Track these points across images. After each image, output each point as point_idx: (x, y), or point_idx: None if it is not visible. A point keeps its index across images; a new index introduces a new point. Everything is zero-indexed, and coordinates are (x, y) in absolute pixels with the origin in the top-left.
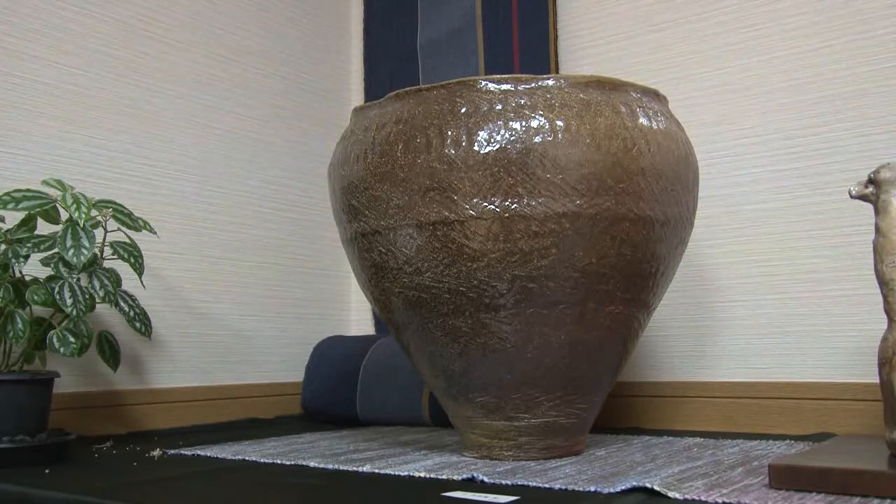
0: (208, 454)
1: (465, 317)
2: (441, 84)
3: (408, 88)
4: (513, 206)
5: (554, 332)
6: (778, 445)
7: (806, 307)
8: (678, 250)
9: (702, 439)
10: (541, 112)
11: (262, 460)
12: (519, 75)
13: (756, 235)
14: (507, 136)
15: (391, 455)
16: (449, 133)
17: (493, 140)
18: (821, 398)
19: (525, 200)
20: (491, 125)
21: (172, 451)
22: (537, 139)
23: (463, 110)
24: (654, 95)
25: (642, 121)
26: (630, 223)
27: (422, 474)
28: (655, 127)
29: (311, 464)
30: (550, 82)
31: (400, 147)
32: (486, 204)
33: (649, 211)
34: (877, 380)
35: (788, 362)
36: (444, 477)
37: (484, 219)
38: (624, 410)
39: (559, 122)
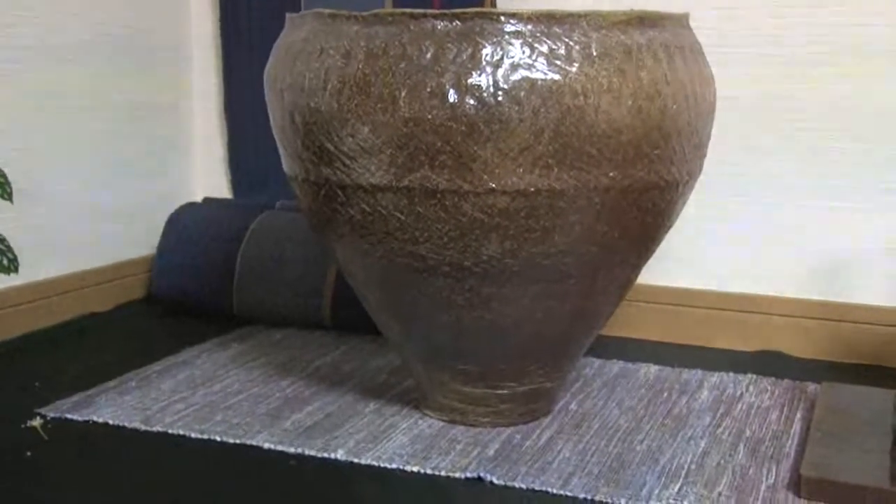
0: (111, 421)
1: (463, 290)
2: (454, 13)
3: (407, 10)
4: (541, 180)
5: (559, 304)
6: (747, 381)
7: (766, 215)
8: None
9: (658, 368)
10: (579, 64)
11: (192, 435)
12: (552, 10)
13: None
14: (540, 94)
15: (344, 416)
16: (469, 82)
17: (524, 100)
18: (768, 313)
19: (555, 173)
20: (523, 79)
21: (54, 415)
22: (576, 102)
23: (486, 54)
24: (685, 24)
25: (681, 68)
26: (658, 191)
27: (415, 468)
28: (692, 74)
29: (265, 444)
30: (588, 22)
31: (404, 94)
32: (510, 176)
33: (677, 174)
34: (830, 299)
35: (738, 272)
36: (442, 473)
37: (506, 192)
38: None
39: (601, 80)
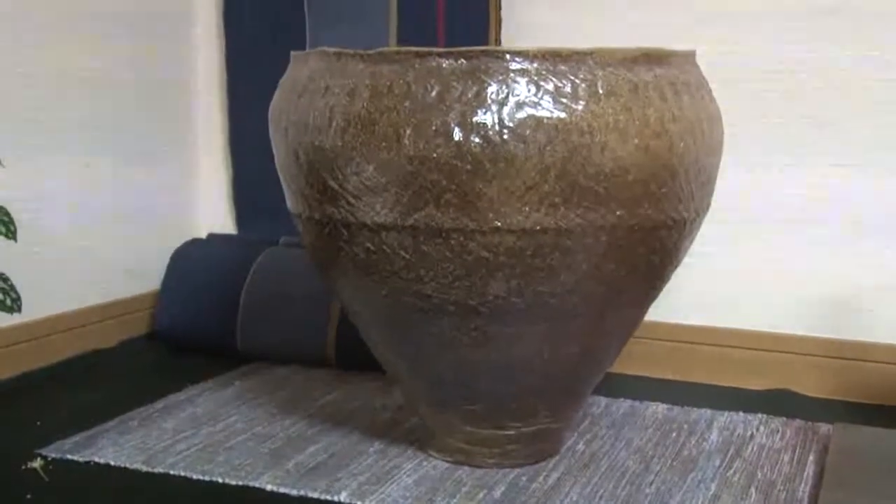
0: (112, 461)
1: (469, 329)
2: (459, 51)
3: (412, 49)
4: (547, 219)
5: (566, 343)
6: (757, 422)
7: (775, 251)
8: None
9: (666, 408)
10: (585, 101)
11: (195, 476)
12: (558, 48)
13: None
14: (546, 132)
15: (348, 456)
16: (474, 121)
17: (529, 136)
18: (781, 351)
19: (562, 212)
20: (528, 116)
21: (55, 456)
22: (582, 140)
23: (492, 92)
24: (692, 61)
25: (687, 106)
26: (666, 229)
27: None
28: (699, 111)
29: (267, 486)
30: (594, 60)
31: (408, 132)
32: (516, 215)
33: (685, 212)
34: (842, 336)
35: (750, 309)
36: None
37: (511, 231)
38: None
39: (607, 118)
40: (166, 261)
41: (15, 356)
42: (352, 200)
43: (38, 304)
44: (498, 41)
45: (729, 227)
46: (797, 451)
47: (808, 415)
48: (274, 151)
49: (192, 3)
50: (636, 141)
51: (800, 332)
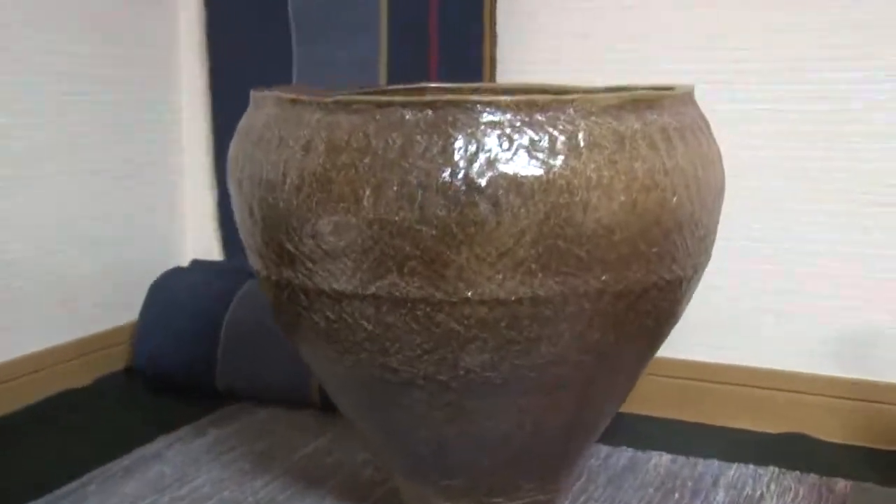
0: None
1: (442, 404)
2: (424, 101)
3: (367, 95)
4: (523, 288)
5: (552, 416)
6: (768, 477)
7: (792, 284)
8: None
9: (670, 459)
10: (565, 156)
11: None
12: (534, 98)
13: (743, 189)
14: (520, 192)
15: None
16: (440, 180)
17: (502, 199)
18: (796, 391)
19: (539, 279)
20: (500, 175)
21: None
22: (561, 199)
23: (459, 146)
24: (690, 100)
25: (681, 154)
26: (659, 291)
27: None
28: (695, 158)
29: None
30: (575, 109)
31: (368, 192)
32: (488, 284)
33: (680, 271)
34: (863, 377)
35: (763, 345)
36: None
37: (484, 302)
38: None
39: (589, 173)
40: (147, 288)
41: None
42: (309, 265)
43: (4, 344)
44: (493, 57)
45: (740, 258)
46: None
47: (824, 463)
48: (231, 203)
49: (177, 21)
50: (622, 198)
51: (818, 371)
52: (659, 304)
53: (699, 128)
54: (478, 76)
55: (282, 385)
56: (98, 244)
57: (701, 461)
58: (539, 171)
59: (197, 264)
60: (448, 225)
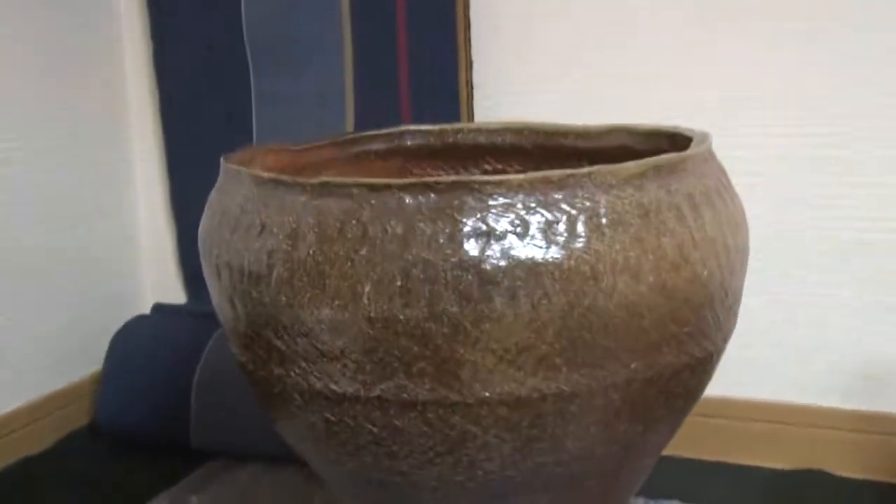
0: None
1: None
2: (425, 182)
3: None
4: (546, 383)
5: None
6: None
7: (801, 313)
8: None
9: None
10: (586, 237)
11: None
12: (549, 174)
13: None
14: (539, 281)
15: None
16: (448, 276)
17: (520, 291)
18: (809, 425)
19: (564, 374)
20: (516, 264)
21: None
22: (585, 287)
23: (468, 234)
24: (710, 156)
25: (709, 222)
26: (691, 371)
27: None
28: (723, 223)
29: None
30: (594, 181)
31: (367, 289)
32: (508, 383)
33: (711, 346)
34: (879, 409)
35: (771, 378)
36: None
37: (504, 403)
38: None
39: (615, 255)
40: (107, 337)
41: None
42: (303, 364)
43: None
44: (470, 82)
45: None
46: None
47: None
48: (207, 285)
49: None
50: (651, 279)
51: (834, 404)
52: (689, 383)
53: (723, 186)
54: (455, 106)
55: (264, 441)
56: (49, 292)
57: None
58: (559, 257)
59: (160, 310)
60: (460, 322)
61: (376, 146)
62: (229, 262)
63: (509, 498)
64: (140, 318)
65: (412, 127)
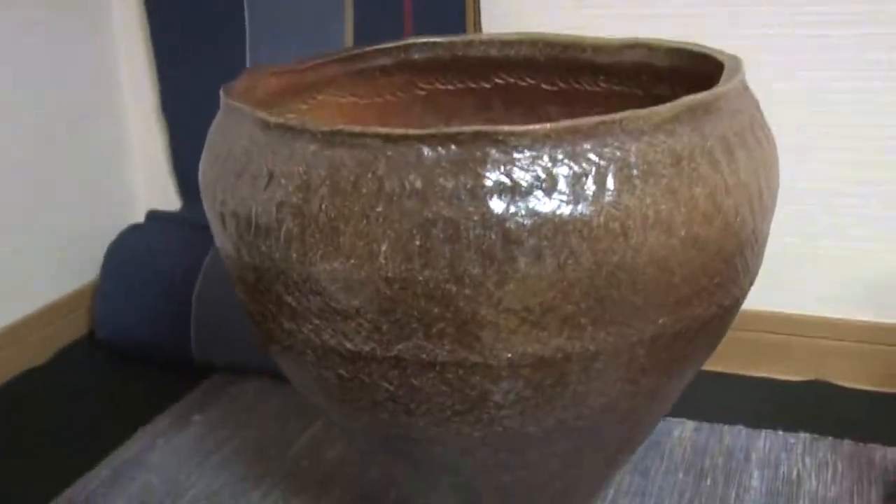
0: None
1: (474, 458)
2: (446, 133)
3: (379, 129)
4: (570, 342)
5: (594, 456)
6: (801, 448)
7: (814, 224)
8: None
9: (695, 428)
10: (617, 191)
11: None
12: (577, 123)
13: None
14: (566, 240)
15: None
16: (471, 235)
17: (546, 251)
18: (816, 336)
19: (589, 332)
20: (542, 222)
21: None
22: (615, 245)
23: (490, 191)
24: (744, 88)
25: (743, 165)
26: (719, 320)
27: None
28: (757, 166)
29: None
30: (624, 128)
31: (384, 247)
32: (531, 344)
33: (740, 292)
34: (889, 320)
35: (781, 288)
36: None
37: (526, 364)
38: None
39: (646, 210)
40: (100, 245)
41: None
42: (315, 322)
43: None
44: (478, 23)
45: None
46: (856, 499)
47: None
48: (210, 227)
49: None
50: (682, 233)
51: (840, 315)
52: (714, 331)
53: (757, 123)
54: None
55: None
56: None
57: (727, 429)
58: (588, 213)
59: (154, 218)
60: (482, 283)
61: (382, 61)
62: (235, 210)
63: (529, 451)
64: (134, 228)
65: (420, 39)
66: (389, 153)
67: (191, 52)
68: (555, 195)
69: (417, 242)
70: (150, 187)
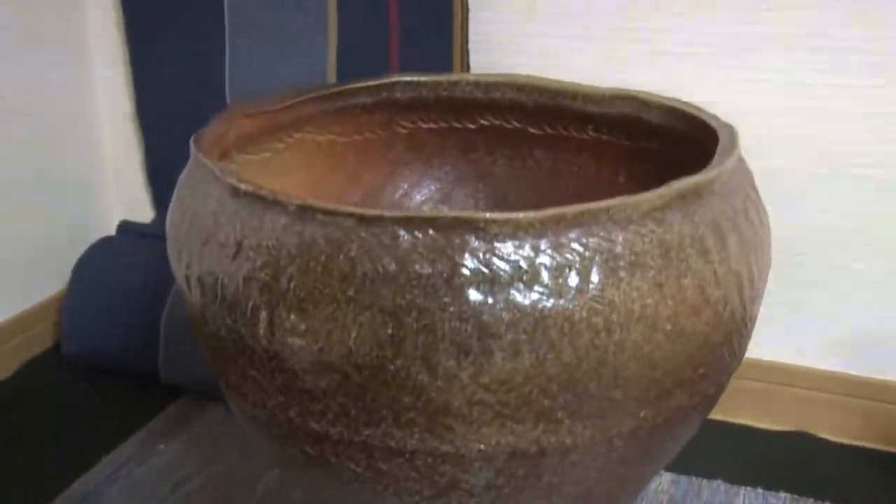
0: None
1: None
2: (423, 217)
3: (353, 209)
4: (547, 436)
5: None
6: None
7: (804, 274)
8: None
9: (672, 480)
10: (600, 284)
11: None
12: (562, 212)
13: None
14: (546, 334)
15: None
16: (446, 326)
17: (522, 347)
18: (802, 387)
19: (566, 426)
20: (521, 316)
21: None
22: (597, 341)
23: (468, 281)
24: (739, 163)
25: (735, 251)
26: (704, 409)
27: None
28: (749, 249)
29: None
30: (612, 216)
31: (354, 334)
32: (505, 436)
33: (724, 377)
34: (878, 376)
35: (768, 338)
36: None
37: (498, 456)
38: None
39: (630, 304)
40: (69, 256)
41: None
42: (281, 399)
43: None
44: (465, 56)
45: None
46: None
47: (832, 470)
48: (179, 290)
49: None
50: (668, 327)
51: (822, 366)
52: (698, 418)
53: (751, 202)
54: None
55: None
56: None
57: (705, 483)
58: (570, 307)
59: (126, 230)
60: (456, 375)
61: (362, 99)
62: (201, 277)
63: None
64: (105, 241)
65: (403, 78)
66: (363, 234)
67: (167, 60)
68: (536, 287)
69: (389, 331)
70: (123, 196)
